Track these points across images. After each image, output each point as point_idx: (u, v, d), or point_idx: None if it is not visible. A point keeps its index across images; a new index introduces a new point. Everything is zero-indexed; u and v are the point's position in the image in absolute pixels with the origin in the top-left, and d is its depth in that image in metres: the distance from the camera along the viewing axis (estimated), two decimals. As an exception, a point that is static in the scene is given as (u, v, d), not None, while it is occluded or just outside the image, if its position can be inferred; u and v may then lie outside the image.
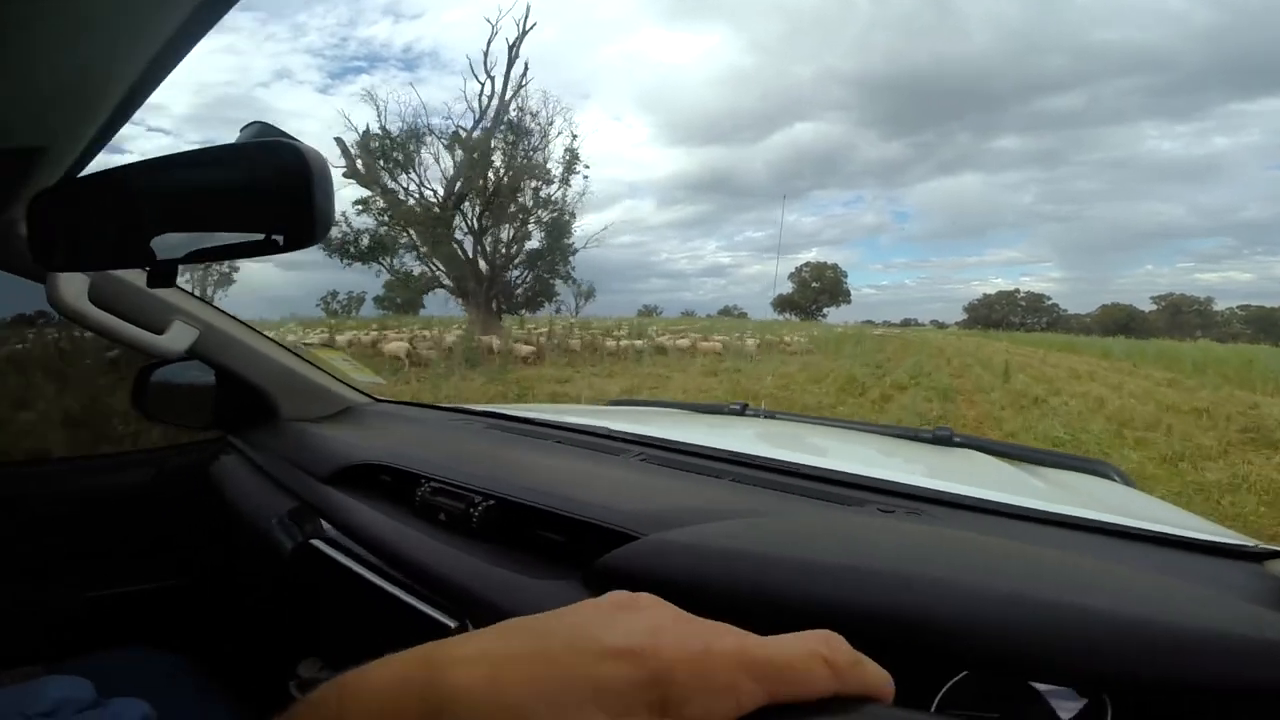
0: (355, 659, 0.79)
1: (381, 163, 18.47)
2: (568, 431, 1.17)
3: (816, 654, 0.28)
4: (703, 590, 0.56)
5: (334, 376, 1.45)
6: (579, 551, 0.69)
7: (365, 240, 18.74)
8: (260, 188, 0.44)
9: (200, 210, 0.49)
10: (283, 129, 0.47)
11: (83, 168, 0.79)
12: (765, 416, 1.53)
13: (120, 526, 1.35)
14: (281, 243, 0.43)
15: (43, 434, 2.10)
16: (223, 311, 1.27)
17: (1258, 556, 0.63)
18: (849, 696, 0.28)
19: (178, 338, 1.19)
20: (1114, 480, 1.18)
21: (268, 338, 1.35)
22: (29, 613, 1.27)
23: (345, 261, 18.91)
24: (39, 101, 0.63)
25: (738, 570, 0.57)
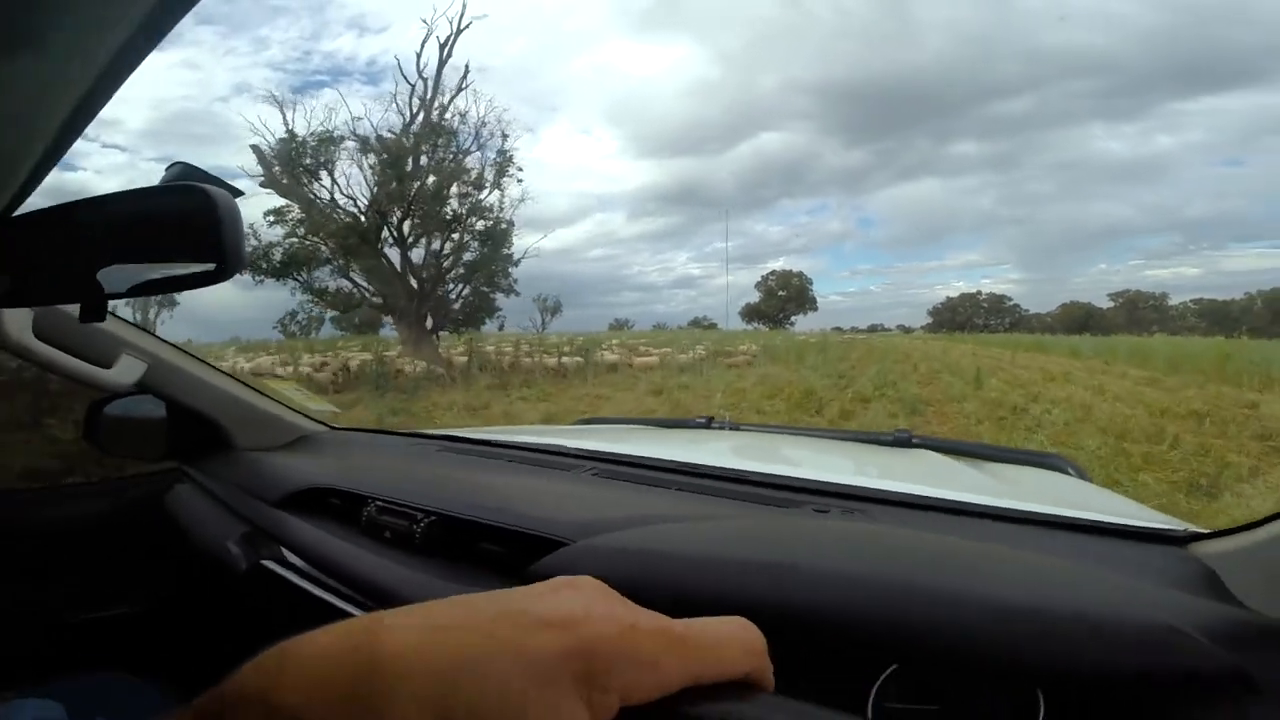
0: None
1: (293, 169, 16.50)
2: (523, 450, 1.18)
3: (735, 637, 0.31)
4: (627, 591, 0.58)
5: (287, 406, 1.45)
6: (519, 561, 0.71)
7: (277, 255, 16.67)
8: (179, 227, 0.47)
9: (133, 248, 0.52)
10: (203, 168, 0.50)
11: (19, 204, 0.81)
12: (731, 429, 1.55)
13: (81, 556, 1.34)
14: (203, 276, 0.45)
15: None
16: (170, 343, 1.27)
17: (1183, 540, 0.65)
18: (759, 683, 0.31)
19: (125, 371, 1.19)
20: (1069, 474, 1.21)
21: (217, 369, 1.35)
22: None
23: (257, 278, 16.94)
24: None
25: (660, 571, 0.59)
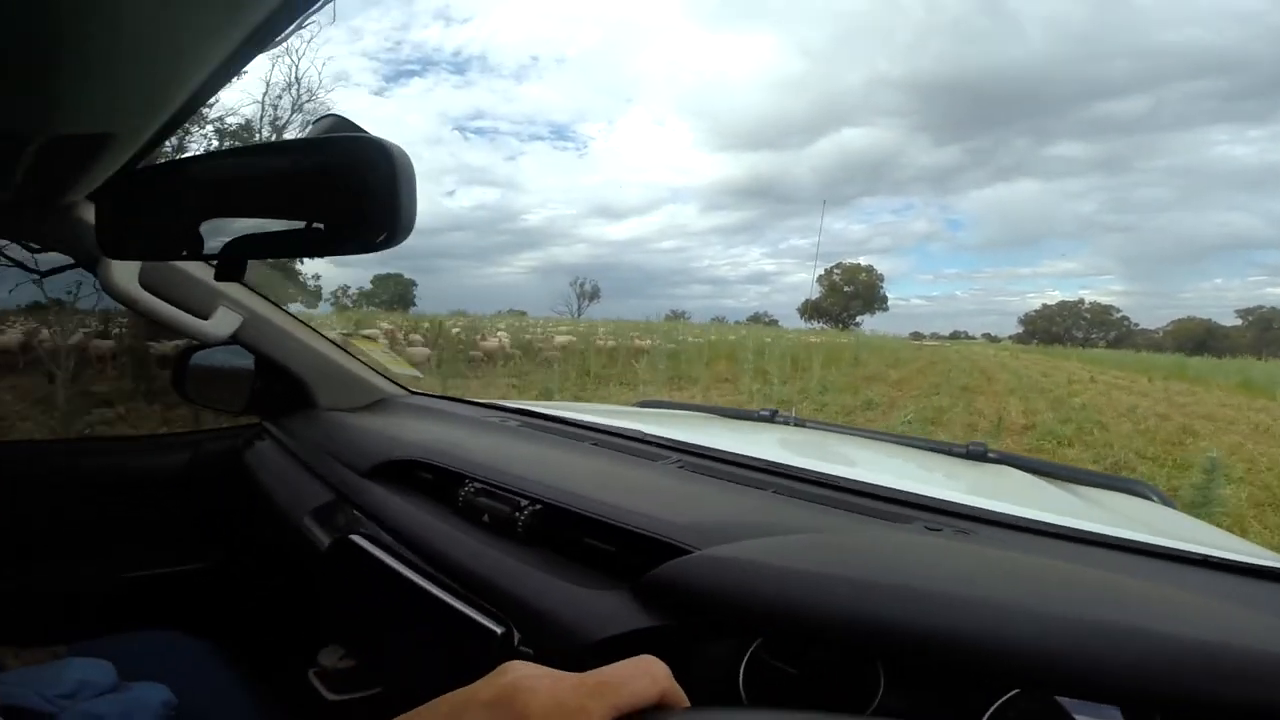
0: (386, 653, 0.79)
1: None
2: (602, 434, 1.16)
3: (642, 672, 0.36)
4: (755, 606, 0.57)
5: (371, 368, 1.45)
6: (629, 561, 0.68)
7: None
8: (342, 184, 0.43)
9: (273, 203, 0.49)
10: (358, 124, 0.47)
11: (146, 157, 0.80)
12: (795, 424, 1.52)
13: (154, 509, 1.37)
14: (364, 243, 0.41)
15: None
16: (267, 299, 1.28)
17: None
18: (674, 703, 0.36)
19: (222, 323, 1.21)
20: (1152, 500, 1.15)
21: (310, 327, 1.36)
22: (60, 592, 1.28)
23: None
24: (109, 88, 0.64)
25: (791, 588, 0.57)
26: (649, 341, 16.27)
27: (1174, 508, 1.16)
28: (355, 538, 0.91)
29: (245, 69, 0.56)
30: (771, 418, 1.52)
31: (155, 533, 1.37)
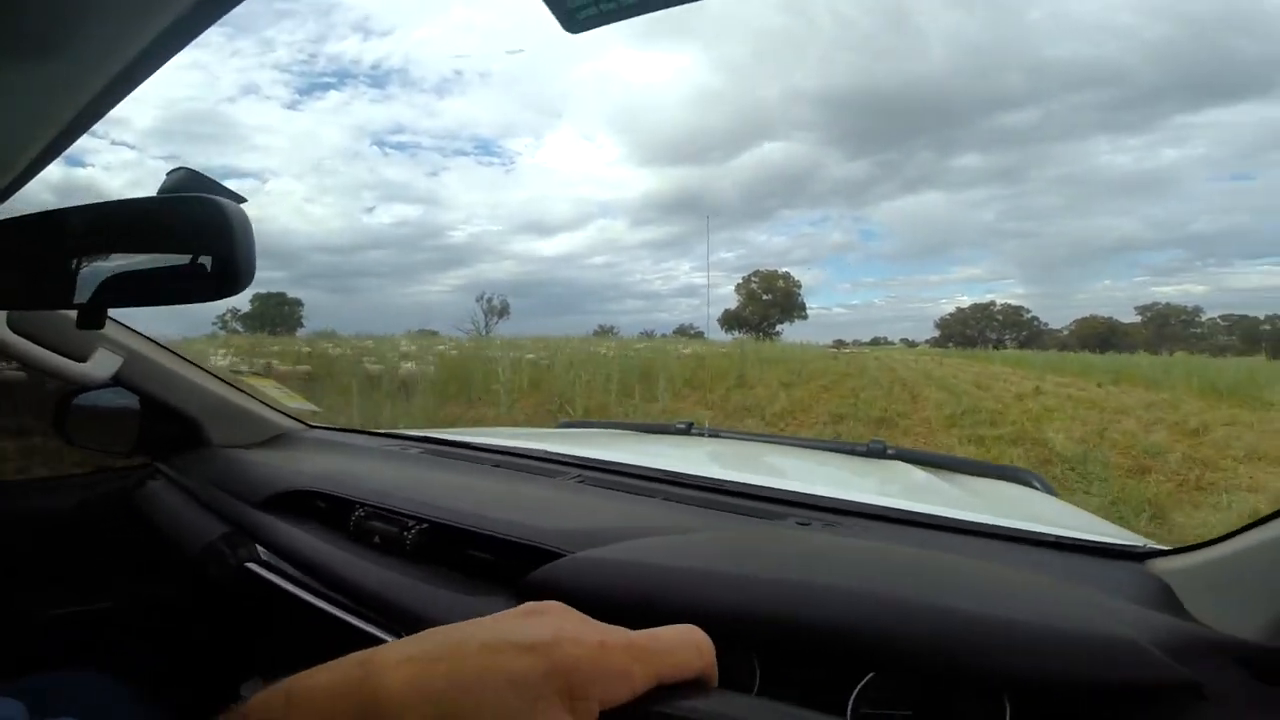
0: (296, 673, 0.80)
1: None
2: (506, 455, 1.18)
3: (688, 641, 0.35)
4: (620, 603, 0.60)
5: (264, 403, 1.43)
6: (509, 569, 0.72)
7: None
8: (186, 239, 0.46)
9: (138, 257, 0.51)
10: (207, 174, 0.50)
11: (4, 199, 0.79)
12: (710, 435, 1.57)
13: (44, 550, 1.32)
14: (208, 291, 0.45)
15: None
16: (147, 338, 1.25)
17: (1141, 556, 0.68)
18: (708, 680, 0.35)
19: (101, 365, 1.18)
20: (1034, 487, 1.25)
21: (195, 364, 1.33)
22: None
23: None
24: None
25: (652, 584, 0.61)
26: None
27: (1054, 494, 1.26)
28: (253, 566, 0.92)
29: (101, 119, 0.58)
30: (687, 430, 1.57)
31: (52, 574, 1.31)
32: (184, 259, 0.47)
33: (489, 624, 0.32)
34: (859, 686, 0.52)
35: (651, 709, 0.32)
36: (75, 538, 1.34)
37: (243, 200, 0.47)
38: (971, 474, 1.33)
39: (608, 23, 0.32)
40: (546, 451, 1.17)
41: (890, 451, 1.37)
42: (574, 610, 0.35)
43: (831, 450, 1.52)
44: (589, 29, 0.32)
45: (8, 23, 0.41)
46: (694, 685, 0.34)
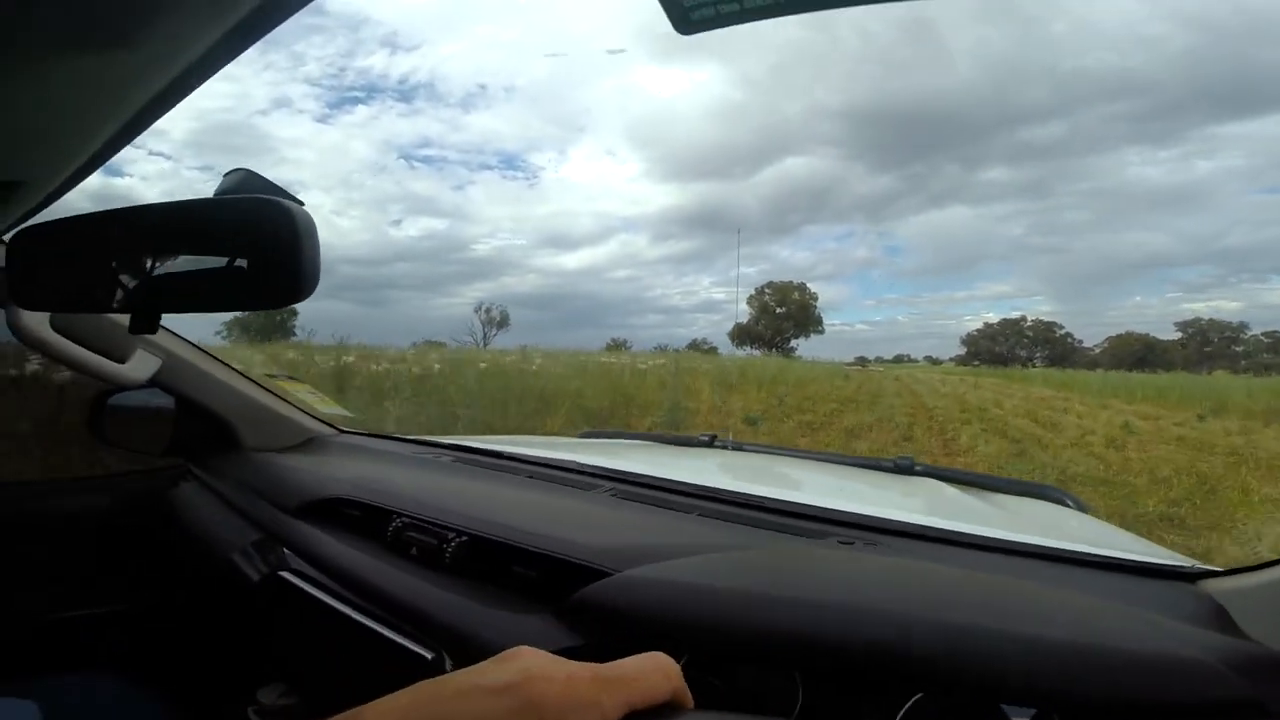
0: (325, 686, 0.79)
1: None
2: (538, 466, 1.18)
3: (656, 668, 0.36)
4: (670, 624, 0.60)
5: (298, 407, 1.44)
6: (552, 586, 0.71)
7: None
8: (246, 242, 0.45)
9: (186, 261, 0.50)
10: (266, 176, 0.49)
11: (52, 204, 0.79)
12: (734, 448, 1.56)
13: (77, 551, 1.32)
14: (270, 299, 0.44)
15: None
16: (186, 340, 1.26)
17: (1192, 577, 0.67)
18: (681, 703, 0.36)
19: (140, 366, 1.18)
20: (1068, 505, 1.22)
21: (231, 368, 1.34)
22: None
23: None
24: (18, 138, 0.64)
25: (703, 605, 0.60)
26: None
27: (1089, 513, 1.23)
28: (285, 574, 0.91)
29: (156, 123, 0.58)
30: (710, 443, 1.56)
31: (80, 574, 1.32)
32: (242, 264, 0.45)
33: (465, 673, 0.34)
34: (906, 707, 0.53)
35: None
36: (105, 538, 1.35)
37: (302, 203, 0.46)
38: (1003, 492, 1.30)
39: (722, 26, 0.30)
40: (578, 463, 1.16)
41: (919, 468, 1.35)
42: (544, 652, 0.36)
43: (858, 466, 1.49)
44: (702, 31, 0.31)
45: (81, 13, 0.40)
46: (666, 709, 0.35)
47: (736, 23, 0.30)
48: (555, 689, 0.32)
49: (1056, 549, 0.75)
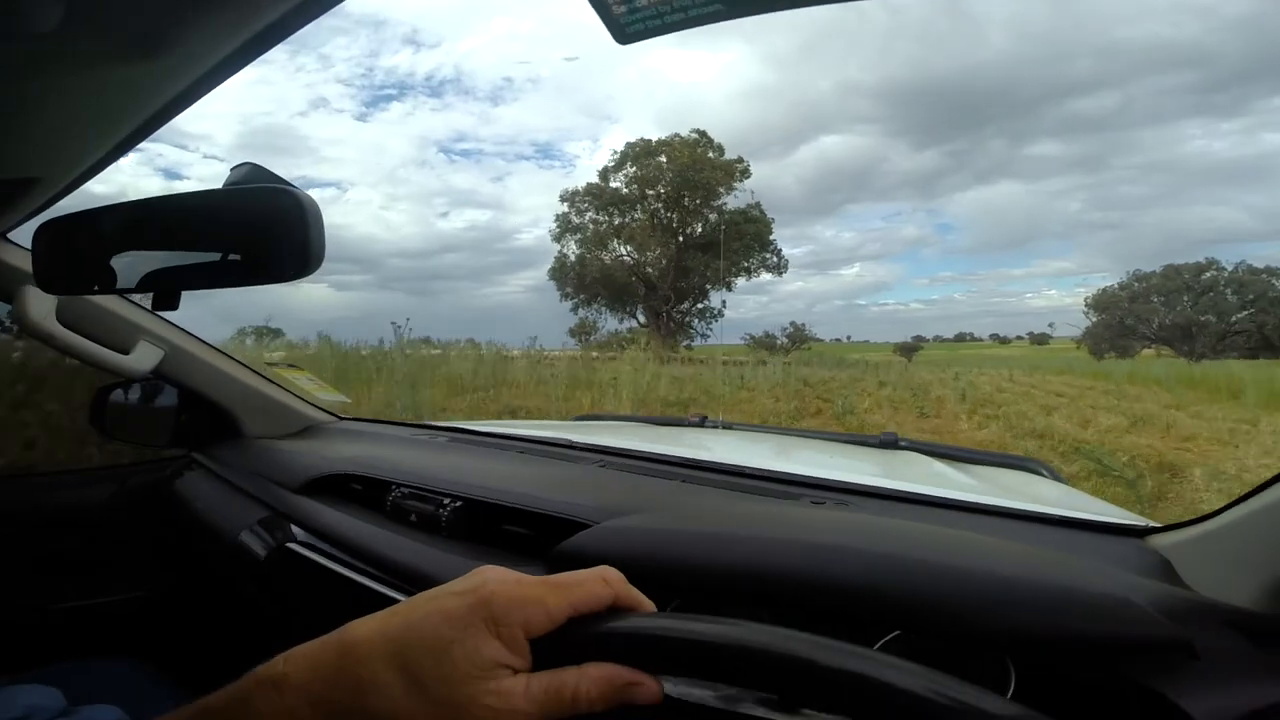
0: None
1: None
2: (530, 443, 1.23)
3: (597, 576, 0.41)
4: (648, 567, 0.64)
5: (298, 395, 1.48)
6: (542, 542, 0.75)
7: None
8: (259, 226, 0.50)
9: (198, 244, 0.56)
10: (280, 154, 0.54)
11: (64, 198, 0.84)
12: (724, 428, 1.60)
13: (85, 541, 1.36)
14: (283, 273, 0.49)
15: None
16: (187, 332, 1.30)
17: (1142, 533, 0.71)
18: (632, 605, 0.41)
19: (143, 358, 1.22)
20: (1043, 475, 1.28)
21: (232, 358, 1.37)
22: None
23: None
24: (40, 136, 0.68)
25: (678, 547, 0.65)
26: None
27: (1062, 481, 1.29)
28: (293, 546, 0.96)
29: (172, 120, 0.63)
30: (701, 423, 1.61)
31: (89, 563, 1.36)
32: (256, 244, 0.51)
33: (438, 587, 0.41)
34: (879, 644, 0.55)
35: (571, 631, 0.38)
36: (116, 527, 1.39)
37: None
38: (983, 464, 1.36)
39: (657, 35, 0.36)
40: (569, 440, 1.20)
41: (903, 444, 1.39)
42: (503, 568, 0.41)
43: (845, 442, 1.54)
44: (639, 40, 0.36)
45: (103, 20, 0.45)
46: (610, 612, 0.40)
47: (668, 31, 0.35)
48: (506, 589, 0.38)
49: (1019, 509, 0.79)
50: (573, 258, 28.12)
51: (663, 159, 27.29)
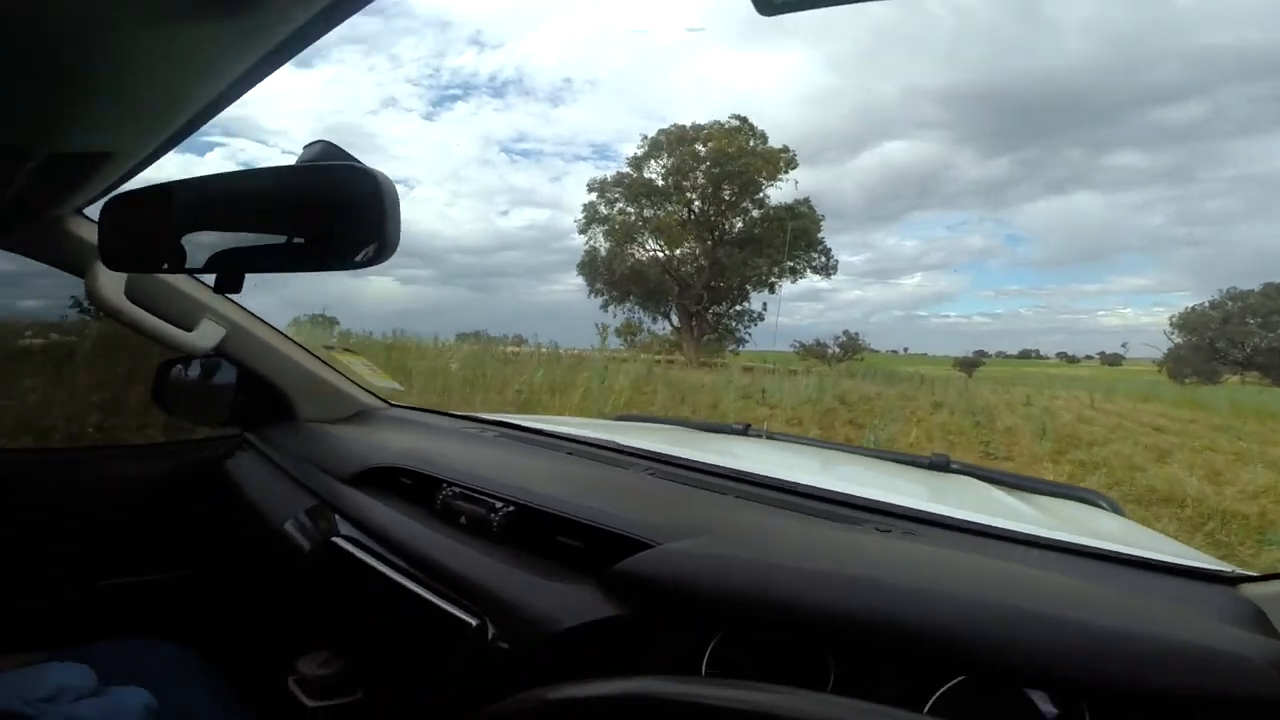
0: (370, 651, 0.83)
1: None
2: (576, 443, 1.20)
3: None
4: (709, 596, 0.61)
5: (352, 380, 1.48)
6: (596, 557, 0.72)
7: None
8: (331, 208, 0.47)
9: (270, 224, 0.53)
10: (350, 151, 0.51)
11: (138, 173, 0.83)
12: (766, 437, 1.56)
13: (134, 517, 1.38)
14: (355, 260, 0.46)
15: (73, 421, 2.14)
16: (250, 312, 1.31)
17: (1230, 580, 0.66)
18: None
19: (206, 335, 1.24)
20: (1103, 508, 1.21)
21: (292, 340, 1.38)
22: (38, 599, 1.29)
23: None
24: (111, 109, 0.68)
25: (742, 578, 0.62)
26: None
27: (1123, 515, 1.21)
28: (338, 540, 0.94)
29: (244, 94, 0.61)
30: (744, 431, 1.56)
31: (135, 541, 1.37)
32: (326, 228, 0.48)
33: None
34: (942, 690, 0.53)
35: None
36: (163, 505, 1.40)
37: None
38: (1039, 493, 1.28)
39: (804, 9, 0.31)
40: (616, 443, 1.17)
41: (955, 466, 1.33)
42: None
43: (892, 460, 1.48)
44: (785, 12, 0.31)
45: None
46: None
47: (818, 6, 0.31)
48: None
49: (1096, 547, 0.74)
50: (603, 251, 26.49)
51: (699, 147, 25.11)
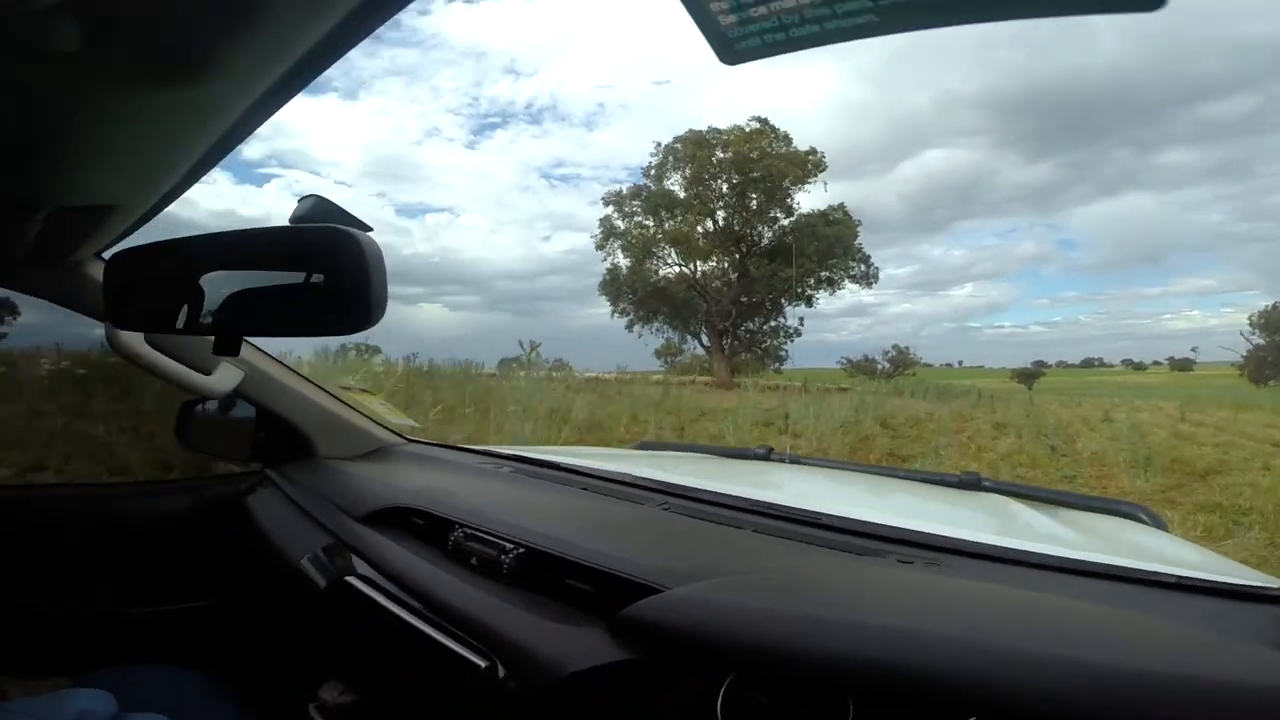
0: (383, 688, 0.83)
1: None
2: (592, 478, 1.19)
3: None
4: (719, 643, 0.60)
5: (368, 417, 1.49)
6: (605, 600, 0.72)
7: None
8: (318, 268, 0.47)
9: (264, 286, 0.53)
10: (341, 205, 0.51)
11: (148, 222, 0.85)
12: (791, 461, 1.53)
13: (156, 549, 1.40)
14: (341, 324, 0.45)
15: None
16: (267, 354, 1.33)
17: (1276, 598, 0.63)
18: None
19: (224, 378, 1.26)
20: (1143, 521, 1.16)
21: (308, 380, 1.40)
22: (61, 625, 1.31)
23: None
24: (113, 164, 0.69)
25: (753, 626, 0.60)
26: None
27: (1165, 529, 1.17)
28: (351, 579, 0.94)
29: (243, 144, 0.61)
30: (767, 455, 1.53)
31: (159, 571, 1.40)
32: (315, 288, 0.47)
33: None
34: None
35: None
36: (186, 539, 1.42)
37: (369, 229, 0.47)
38: (1075, 508, 1.24)
39: (768, 55, 0.30)
40: (633, 476, 1.16)
41: (986, 484, 1.29)
42: None
43: (922, 481, 1.44)
44: (747, 60, 0.30)
45: (159, 50, 0.43)
46: None
47: (782, 52, 0.30)
48: None
49: (1130, 569, 0.71)
50: (624, 269, 24.25)
51: (719, 153, 22.97)
